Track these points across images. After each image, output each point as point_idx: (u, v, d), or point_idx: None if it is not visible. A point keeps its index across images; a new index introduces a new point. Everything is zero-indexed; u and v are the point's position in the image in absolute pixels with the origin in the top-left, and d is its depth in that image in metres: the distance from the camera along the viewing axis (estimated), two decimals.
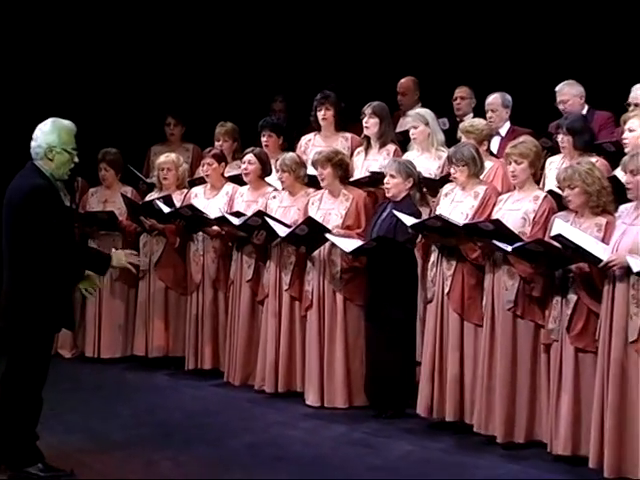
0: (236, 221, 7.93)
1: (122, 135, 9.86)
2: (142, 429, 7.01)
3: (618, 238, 5.99)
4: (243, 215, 7.96)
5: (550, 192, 6.77)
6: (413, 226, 6.92)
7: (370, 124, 8.15)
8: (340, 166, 7.69)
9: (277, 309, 7.87)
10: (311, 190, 7.94)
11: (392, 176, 7.25)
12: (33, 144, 5.97)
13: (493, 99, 8.32)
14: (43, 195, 5.84)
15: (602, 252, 5.96)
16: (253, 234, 7.92)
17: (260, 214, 7.79)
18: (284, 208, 7.95)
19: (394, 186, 7.24)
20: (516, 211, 6.60)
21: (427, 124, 7.89)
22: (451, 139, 7.80)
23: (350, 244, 7.29)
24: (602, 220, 6.20)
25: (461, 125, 7.75)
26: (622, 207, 6.14)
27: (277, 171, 8.04)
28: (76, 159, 6.00)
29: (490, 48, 9.60)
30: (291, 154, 8.10)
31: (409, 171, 7.26)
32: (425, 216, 7.13)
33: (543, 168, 7.15)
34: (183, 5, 10.82)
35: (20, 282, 5.87)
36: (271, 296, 7.90)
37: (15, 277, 5.88)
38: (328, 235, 7.41)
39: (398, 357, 7.20)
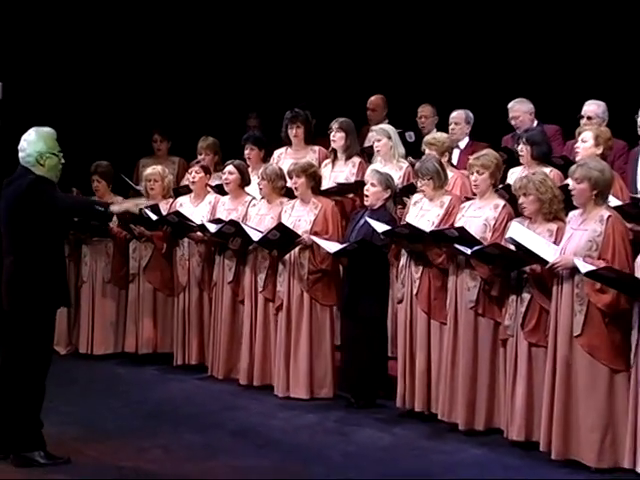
0: (213, 228, 7.93)
1: (114, 149, 9.83)
2: (134, 419, 6.99)
3: (565, 242, 6.03)
4: (223, 222, 7.96)
5: (507, 186, 6.80)
6: (384, 233, 6.92)
7: (337, 138, 8.18)
8: (313, 177, 7.69)
9: (252, 309, 7.85)
10: (285, 199, 7.93)
11: (373, 185, 7.23)
12: (22, 154, 5.97)
13: (457, 114, 8.42)
14: (46, 183, 5.93)
15: (551, 254, 6.00)
16: (229, 240, 7.93)
17: (233, 223, 7.80)
18: (260, 216, 7.93)
19: (373, 194, 7.22)
20: (478, 218, 6.63)
21: (389, 138, 7.94)
22: (417, 152, 7.84)
23: (333, 246, 7.29)
24: (553, 226, 6.24)
25: (425, 138, 7.80)
26: (571, 213, 6.18)
27: (259, 181, 8.04)
28: (63, 160, 6.06)
29: (451, 69, 9.67)
30: (274, 166, 8.09)
31: (388, 183, 7.26)
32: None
33: (505, 178, 7.17)
34: (167, 37, 10.85)
35: (24, 264, 5.88)
36: (247, 297, 7.90)
37: (19, 260, 5.87)
38: (313, 237, 7.40)
39: (372, 352, 7.20)
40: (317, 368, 7.53)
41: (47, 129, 6.05)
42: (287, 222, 7.59)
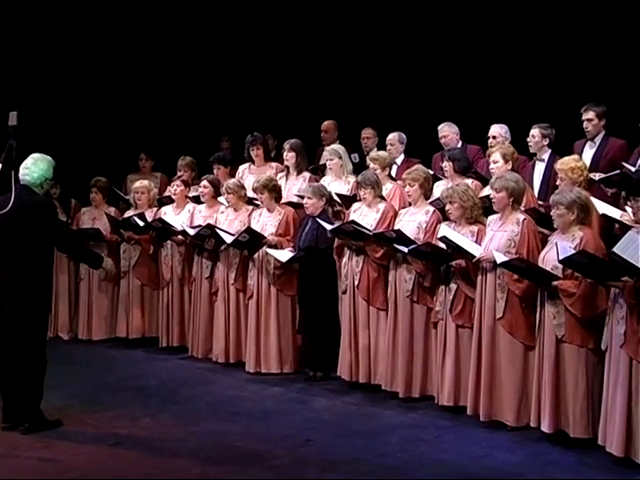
0: (192, 232, 7.94)
1: (106, 166, 9.73)
2: (126, 393, 6.97)
3: (488, 241, 6.10)
4: (200, 226, 7.97)
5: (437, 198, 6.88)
6: (332, 230, 6.96)
7: (289, 157, 8.20)
8: (274, 189, 7.72)
9: (225, 299, 7.84)
10: (250, 207, 7.94)
11: (309, 197, 7.28)
12: (33, 175, 5.90)
13: (392, 137, 8.43)
14: (55, 207, 6.09)
15: (476, 250, 6.08)
16: (205, 241, 7.93)
17: (209, 226, 7.81)
18: (229, 221, 7.92)
19: (311, 205, 7.27)
20: (412, 222, 6.69)
21: (340, 157, 7.96)
22: (360, 169, 7.89)
23: (284, 255, 7.33)
24: (475, 228, 6.32)
25: (370, 155, 7.86)
26: (490, 217, 6.26)
27: (224, 193, 8.06)
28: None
29: (389, 99, 9.71)
30: (233, 180, 8.12)
31: (321, 192, 7.31)
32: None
33: (432, 189, 7.24)
34: (150, 74, 10.83)
35: (34, 274, 5.85)
36: (221, 289, 7.87)
37: (26, 271, 5.81)
38: (268, 250, 7.42)
39: (324, 335, 7.24)
40: (283, 347, 7.54)
41: (50, 158, 6.03)
42: (256, 227, 7.59)
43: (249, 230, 7.51)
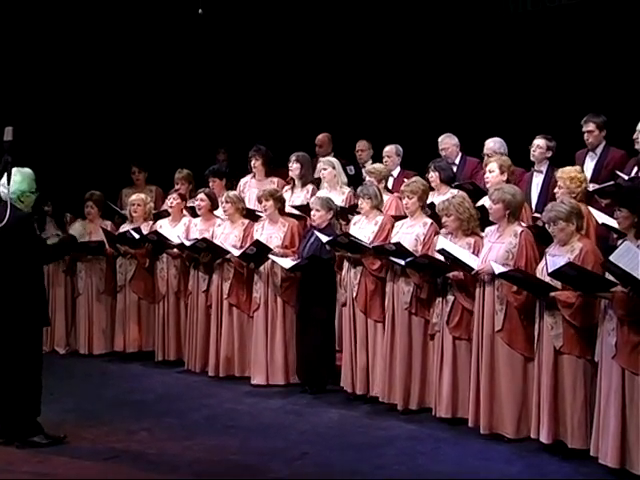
0: (188, 243, 7.96)
1: (100, 180, 9.73)
2: (123, 407, 6.96)
3: (486, 253, 6.10)
4: (197, 239, 7.99)
5: (431, 204, 6.91)
6: (327, 242, 6.97)
7: (294, 168, 8.23)
8: (279, 200, 7.74)
9: (218, 312, 7.84)
10: (247, 221, 7.95)
11: (317, 210, 7.26)
12: (5, 191, 5.84)
13: (389, 149, 8.47)
14: (33, 222, 6.03)
15: (474, 262, 6.09)
16: (200, 255, 7.95)
17: (205, 240, 7.83)
18: (225, 234, 7.93)
19: (319, 217, 7.26)
20: (410, 234, 6.69)
21: (334, 168, 8.00)
22: (355, 181, 7.92)
23: (288, 262, 7.33)
24: (471, 240, 6.33)
25: (366, 167, 7.91)
26: (488, 229, 6.26)
27: (222, 203, 8.06)
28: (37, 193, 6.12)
29: (385, 111, 9.78)
30: (235, 191, 8.17)
31: (330, 205, 7.30)
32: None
33: None
34: (142, 84, 10.89)
35: (24, 289, 5.84)
36: (214, 303, 7.87)
37: (14, 286, 5.81)
38: (272, 256, 7.42)
39: (322, 346, 7.23)
40: (290, 358, 7.53)
41: (28, 171, 6.00)
42: (260, 239, 7.58)
43: (257, 243, 7.50)
